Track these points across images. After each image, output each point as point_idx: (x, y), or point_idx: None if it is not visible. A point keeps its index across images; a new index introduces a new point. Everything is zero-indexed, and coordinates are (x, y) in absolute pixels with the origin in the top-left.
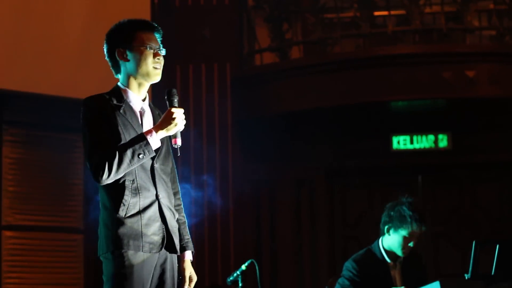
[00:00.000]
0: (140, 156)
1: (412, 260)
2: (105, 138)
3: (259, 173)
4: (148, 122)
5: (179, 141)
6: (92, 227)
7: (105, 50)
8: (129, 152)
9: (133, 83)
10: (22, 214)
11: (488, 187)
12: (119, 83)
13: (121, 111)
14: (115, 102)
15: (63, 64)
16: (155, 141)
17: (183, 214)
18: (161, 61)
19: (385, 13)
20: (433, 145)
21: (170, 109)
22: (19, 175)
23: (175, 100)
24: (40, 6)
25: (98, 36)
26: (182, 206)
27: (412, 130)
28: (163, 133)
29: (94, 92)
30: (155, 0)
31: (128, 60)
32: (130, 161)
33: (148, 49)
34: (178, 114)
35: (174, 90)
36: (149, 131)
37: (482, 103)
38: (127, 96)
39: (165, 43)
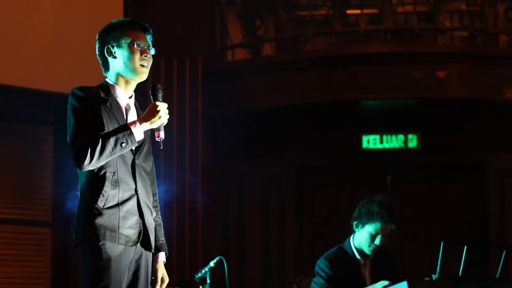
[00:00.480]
0: (123, 145)
1: (382, 258)
2: (90, 125)
3: (229, 169)
4: (132, 119)
5: (162, 134)
6: (60, 221)
7: (96, 49)
8: (112, 140)
9: (121, 80)
10: None
11: (457, 188)
12: (107, 79)
13: (107, 104)
14: (102, 95)
15: (34, 56)
16: (138, 132)
17: (159, 216)
18: (148, 59)
19: (357, 11)
20: (402, 145)
21: (155, 103)
22: None
23: (160, 94)
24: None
25: (70, 29)
26: (159, 208)
27: (382, 129)
28: (147, 125)
29: (65, 85)
30: None
31: (116, 57)
32: (113, 149)
33: (135, 46)
34: (162, 107)
35: (159, 86)
36: (133, 122)
37: (453, 103)
38: (114, 92)
39: None
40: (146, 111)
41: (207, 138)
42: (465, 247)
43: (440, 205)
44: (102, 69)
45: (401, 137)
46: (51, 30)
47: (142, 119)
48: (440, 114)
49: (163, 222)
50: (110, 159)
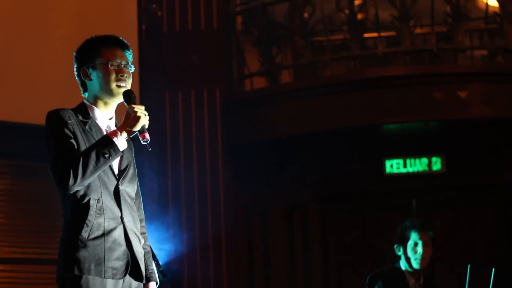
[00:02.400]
0: (106, 155)
1: (430, 283)
2: (70, 147)
3: (251, 199)
4: None
5: (147, 136)
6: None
7: (74, 69)
8: (93, 154)
9: (99, 101)
10: (11, 246)
11: (483, 210)
12: (85, 100)
13: (86, 127)
14: (80, 118)
15: (50, 93)
16: (120, 141)
17: (148, 243)
18: (126, 78)
19: (375, 34)
20: (426, 168)
21: (130, 106)
22: (7, 207)
23: (134, 98)
24: (26, 34)
25: None
26: (146, 234)
27: (405, 153)
28: (128, 132)
29: None
30: (142, 26)
31: (92, 79)
32: (96, 163)
33: (110, 66)
34: (139, 109)
35: (131, 91)
36: (114, 132)
37: (475, 124)
38: (93, 114)
39: (153, 69)
40: (123, 118)
41: (228, 169)
42: (493, 269)
43: (466, 228)
44: (81, 90)
45: (424, 160)
46: (66, 67)
47: (121, 126)
48: (463, 135)
49: (186, 254)
50: (97, 173)
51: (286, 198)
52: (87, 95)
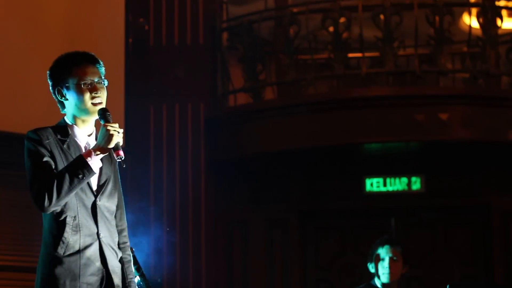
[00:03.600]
0: (80, 176)
1: None
2: (46, 168)
3: (232, 214)
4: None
5: (121, 153)
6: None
7: (49, 87)
8: (67, 175)
9: (77, 120)
10: None
11: (461, 230)
12: (65, 117)
13: (65, 146)
14: (59, 136)
15: (33, 103)
16: (94, 160)
17: (129, 252)
18: (100, 95)
19: (359, 55)
20: (406, 187)
21: (104, 125)
22: None
23: (109, 117)
24: (13, 45)
25: None
26: (128, 244)
27: (385, 172)
28: (102, 149)
29: None
30: (129, 39)
31: (67, 99)
32: (70, 183)
33: (83, 86)
34: (112, 127)
35: (106, 109)
36: (88, 153)
37: (456, 146)
38: (72, 131)
39: (139, 82)
40: (98, 137)
41: (210, 183)
42: None
43: (444, 247)
44: (60, 108)
45: (404, 179)
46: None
47: (95, 146)
48: (443, 156)
49: (167, 268)
50: (72, 193)
51: (266, 214)
52: (65, 112)
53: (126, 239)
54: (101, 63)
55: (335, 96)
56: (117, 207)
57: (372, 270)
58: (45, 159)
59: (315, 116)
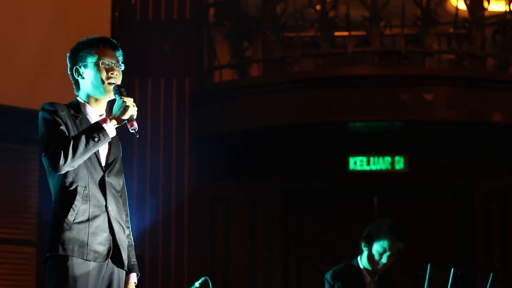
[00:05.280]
0: (95, 139)
1: (387, 282)
2: (62, 131)
3: (215, 190)
4: None
5: (135, 124)
6: (45, 240)
7: (68, 69)
8: (83, 137)
9: (91, 99)
10: None
11: (444, 210)
12: (78, 97)
13: (77, 121)
14: (72, 112)
15: (20, 75)
16: (110, 127)
17: (131, 237)
18: (116, 76)
19: (345, 33)
20: (389, 167)
21: (120, 97)
22: None
23: (124, 92)
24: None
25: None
26: (130, 229)
27: (369, 151)
28: (117, 119)
29: None
30: (115, 13)
31: (84, 78)
32: (86, 145)
33: (101, 64)
34: (128, 100)
35: (121, 85)
36: (103, 119)
37: (440, 126)
38: (85, 109)
39: (124, 56)
40: (114, 108)
41: (194, 159)
42: (452, 269)
43: (426, 227)
44: (74, 88)
45: (388, 159)
46: (39, 51)
47: (111, 115)
48: (427, 136)
49: (149, 242)
50: (86, 156)
51: (249, 191)
52: (79, 93)
53: (129, 224)
54: (120, 50)
55: (321, 74)
56: (121, 191)
57: (364, 249)
58: (59, 124)
59: (300, 93)
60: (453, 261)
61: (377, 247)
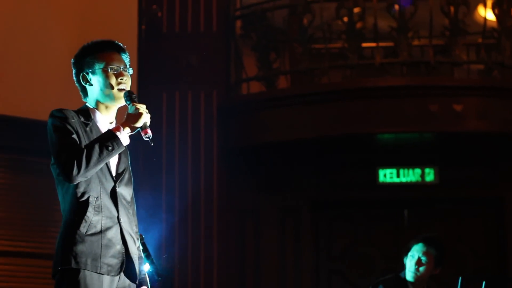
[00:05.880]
0: (109, 148)
1: None
2: (73, 140)
3: (244, 203)
4: None
5: (149, 132)
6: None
7: (73, 75)
8: (97, 146)
9: (101, 105)
10: (4, 240)
11: (475, 222)
12: (87, 104)
13: (87, 128)
14: (82, 119)
15: (48, 88)
16: (123, 135)
17: (140, 249)
18: (126, 82)
19: (373, 44)
20: (419, 179)
21: (133, 104)
22: (3, 200)
23: (135, 98)
24: (27, 31)
25: None
26: (138, 241)
27: (398, 163)
28: (130, 127)
29: None
30: (142, 26)
31: (92, 85)
32: (100, 155)
33: (110, 70)
34: (141, 107)
35: (132, 91)
36: (117, 127)
37: (470, 137)
38: (95, 116)
39: (151, 69)
40: (126, 116)
41: (222, 172)
42: (484, 282)
43: (457, 239)
44: (82, 95)
45: (418, 171)
46: (64, 64)
47: (124, 123)
48: (457, 147)
49: (178, 254)
50: (100, 166)
51: (279, 203)
52: (87, 99)
53: (138, 236)
54: (127, 52)
55: (349, 86)
56: (131, 200)
57: (405, 262)
58: (70, 132)
59: (328, 105)
60: (485, 273)
61: (411, 254)
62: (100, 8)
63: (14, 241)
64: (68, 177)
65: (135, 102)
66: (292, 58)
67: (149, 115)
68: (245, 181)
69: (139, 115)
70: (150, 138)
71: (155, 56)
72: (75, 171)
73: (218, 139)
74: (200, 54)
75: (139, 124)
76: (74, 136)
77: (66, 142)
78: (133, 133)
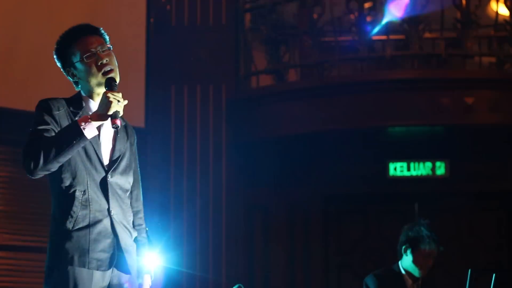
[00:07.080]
0: (72, 141)
1: (430, 285)
2: (41, 133)
3: (253, 196)
4: (106, 132)
5: (118, 122)
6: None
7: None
8: (57, 140)
9: (93, 93)
10: (11, 234)
11: (485, 216)
12: (81, 91)
13: (76, 118)
14: (71, 108)
15: (54, 81)
16: (89, 127)
17: (144, 235)
18: (109, 62)
19: (383, 37)
20: (430, 172)
21: (106, 93)
22: (9, 194)
23: (115, 86)
24: (35, 23)
25: None
26: (144, 226)
27: (409, 156)
28: (100, 116)
29: None
30: (151, 19)
31: (79, 78)
32: (60, 148)
33: (86, 59)
34: (113, 96)
35: (113, 78)
36: (84, 118)
37: (481, 130)
38: (87, 104)
39: (160, 62)
40: (98, 104)
41: (231, 165)
42: (494, 275)
43: (468, 233)
44: (74, 86)
45: (428, 164)
46: None
47: (93, 112)
48: (468, 141)
49: (186, 248)
50: (61, 159)
51: (288, 197)
52: (80, 88)
53: (142, 221)
54: (101, 29)
55: (359, 79)
56: (133, 187)
57: (405, 254)
58: (45, 127)
59: (339, 98)
60: (496, 267)
61: (422, 252)
62: (109, 1)
63: (18, 235)
64: (26, 170)
65: (111, 91)
66: (302, 51)
67: (121, 104)
68: (254, 175)
69: (109, 103)
70: (118, 128)
71: (164, 50)
72: (32, 165)
73: (227, 133)
74: (209, 48)
75: (109, 112)
76: (49, 127)
77: (34, 135)
78: (104, 122)
